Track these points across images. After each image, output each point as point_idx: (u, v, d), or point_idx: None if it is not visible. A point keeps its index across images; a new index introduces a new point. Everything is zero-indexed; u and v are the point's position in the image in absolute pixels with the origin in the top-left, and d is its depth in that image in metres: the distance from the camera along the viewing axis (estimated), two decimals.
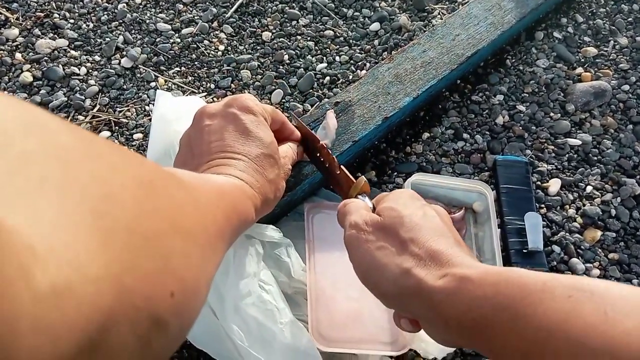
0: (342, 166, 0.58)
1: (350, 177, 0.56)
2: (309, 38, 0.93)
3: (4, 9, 0.94)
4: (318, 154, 0.61)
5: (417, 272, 0.40)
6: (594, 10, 1.00)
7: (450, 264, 0.40)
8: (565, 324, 0.31)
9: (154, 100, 0.83)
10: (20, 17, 0.93)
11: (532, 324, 0.32)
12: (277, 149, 0.54)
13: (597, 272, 0.72)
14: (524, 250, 0.72)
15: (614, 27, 0.97)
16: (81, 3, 0.96)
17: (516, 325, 0.33)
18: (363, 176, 0.55)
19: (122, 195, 0.23)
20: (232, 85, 0.87)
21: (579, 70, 0.92)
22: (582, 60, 0.94)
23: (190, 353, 0.64)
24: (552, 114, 0.87)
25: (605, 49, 0.95)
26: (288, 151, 0.59)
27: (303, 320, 0.58)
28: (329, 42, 0.92)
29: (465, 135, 0.83)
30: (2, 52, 0.89)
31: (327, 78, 0.88)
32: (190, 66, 0.89)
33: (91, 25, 0.93)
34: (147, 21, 0.94)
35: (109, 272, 0.20)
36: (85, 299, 0.18)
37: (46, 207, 0.18)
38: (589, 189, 0.79)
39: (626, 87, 0.90)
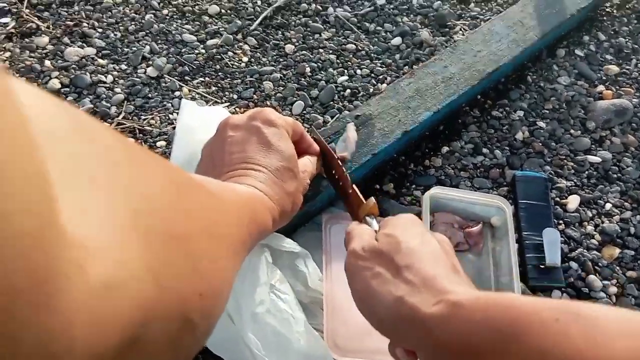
0: (354, 185, 0.59)
1: (361, 197, 0.57)
2: (331, 51, 0.94)
3: (36, 18, 0.97)
4: (333, 171, 0.62)
5: (411, 299, 0.40)
6: (617, 29, 1.00)
7: (443, 291, 0.40)
8: (554, 348, 0.31)
9: (177, 109, 0.85)
10: (51, 26, 0.96)
11: (524, 348, 0.33)
12: (297, 162, 0.55)
13: (614, 289, 0.72)
14: (542, 266, 0.72)
15: (636, 46, 0.97)
16: (109, 13, 0.99)
17: (508, 349, 0.33)
18: (372, 198, 0.56)
19: (160, 198, 0.24)
20: (255, 96, 0.88)
21: (600, 87, 0.92)
22: (604, 78, 0.94)
23: (205, 358, 0.64)
24: (572, 131, 0.87)
25: (627, 67, 0.95)
26: (307, 165, 0.60)
27: (319, 329, 0.59)
28: (351, 56, 0.94)
29: (484, 150, 0.84)
30: (32, 59, 0.92)
31: (348, 91, 0.89)
32: (214, 77, 0.91)
33: (119, 34, 0.96)
34: (173, 32, 0.96)
35: (150, 270, 0.21)
36: (130, 295, 0.19)
37: (94, 206, 0.19)
38: (608, 206, 0.79)
39: None
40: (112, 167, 0.21)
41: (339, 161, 0.62)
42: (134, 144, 0.26)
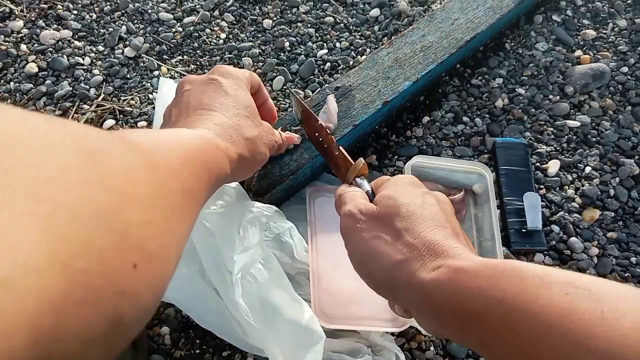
0: (340, 147, 0.58)
1: (349, 159, 0.56)
2: (309, 25, 0.93)
3: (9, 1, 0.95)
4: (317, 134, 0.61)
5: (411, 263, 0.40)
6: None
7: (445, 255, 0.39)
8: (562, 321, 0.30)
9: (157, 89, 0.84)
10: (25, 9, 0.95)
11: (527, 320, 0.31)
12: (256, 112, 0.52)
13: (595, 250, 0.73)
14: (523, 230, 0.73)
15: (612, 10, 0.97)
16: None
17: (510, 320, 0.32)
18: (362, 158, 0.54)
19: (64, 176, 0.21)
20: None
21: (578, 52, 0.92)
22: (581, 42, 0.94)
23: (196, 333, 0.65)
24: (551, 97, 0.87)
25: (604, 31, 0.95)
26: (275, 132, 0.58)
27: (306, 299, 0.59)
28: (330, 29, 0.93)
29: (465, 119, 0.84)
30: (7, 43, 0.91)
31: (328, 64, 0.88)
32: (192, 55, 0.90)
33: (94, 15, 0.95)
34: (149, 11, 0.95)
35: (55, 259, 0.19)
36: (27, 292, 0.18)
37: None
38: (587, 169, 0.80)
39: (625, 69, 0.90)
40: (2, 150, 0.19)
41: (322, 124, 0.61)
42: (33, 118, 0.22)
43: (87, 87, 0.86)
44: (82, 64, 0.89)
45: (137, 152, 0.28)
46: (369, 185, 0.52)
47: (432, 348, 0.65)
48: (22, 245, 0.18)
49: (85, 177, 0.22)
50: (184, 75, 0.87)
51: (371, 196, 0.50)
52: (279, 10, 0.96)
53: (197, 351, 0.64)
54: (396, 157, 0.80)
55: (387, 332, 0.62)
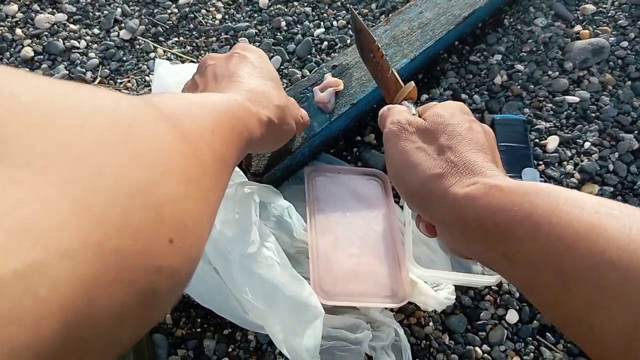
0: (393, 69, 0.57)
1: (400, 81, 0.56)
2: (306, 4, 0.93)
3: None
4: (372, 54, 0.60)
5: (448, 178, 0.41)
6: None
7: (482, 175, 0.40)
8: (588, 235, 0.30)
9: (153, 71, 0.84)
10: None
11: (555, 232, 0.32)
12: (281, 85, 0.53)
13: None
14: None
15: None
16: None
17: (538, 232, 0.33)
18: (412, 82, 0.54)
19: (96, 153, 0.21)
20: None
21: (578, 28, 0.92)
22: (581, 17, 0.93)
23: (197, 312, 0.66)
24: (550, 72, 0.87)
25: (604, 5, 0.95)
26: (300, 108, 0.59)
27: (306, 277, 0.60)
28: (326, 7, 0.92)
29: (463, 96, 0.84)
30: (2, 28, 0.90)
31: (325, 43, 0.88)
32: (188, 36, 0.90)
33: None
34: None
35: (89, 241, 0.19)
36: (60, 277, 0.17)
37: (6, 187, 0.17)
38: (587, 145, 0.80)
39: (625, 44, 0.90)
40: (23, 130, 0.19)
41: (377, 43, 0.60)
42: (60, 88, 0.22)
43: (84, 70, 0.86)
44: (78, 47, 0.88)
45: (168, 121, 0.28)
46: (415, 109, 0.53)
47: (431, 323, 0.66)
48: (55, 230, 0.18)
49: (118, 153, 0.22)
50: (180, 57, 0.87)
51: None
52: None
53: (198, 330, 0.65)
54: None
55: (386, 308, 0.63)
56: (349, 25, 0.90)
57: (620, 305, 0.28)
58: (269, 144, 0.51)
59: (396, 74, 0.57)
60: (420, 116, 0.50)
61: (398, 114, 0.49)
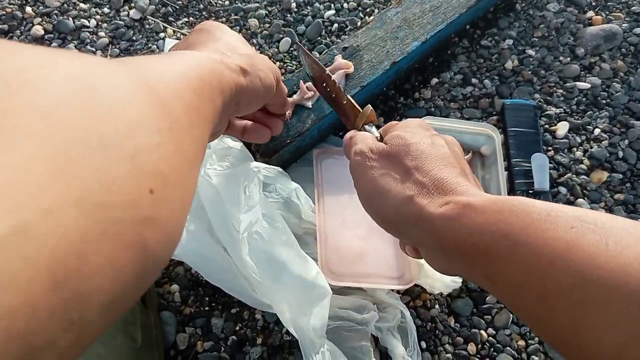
0: (348, 96, 0.57)
1: (357, 106, 0.56)
2: None
3: None
4: (325, 84, 0.60)
5: (420, 200, 0.40)
6: None
7: (454, 192, 0.39)
8: (566, 253, 0.30)
9: (163, 51, 0.84)
10: None
11: (533, 252, 0.31)
12: (245, 41, 0.51)
13: (602, 212, 0.73)
14: (530, 191, 0.73)
15: None
16: None
17: (516, 253, 0.32)
18: (369, 105, 0.54)
19: (63, 110, 0.21)
20: (240, 34, 0.87)
21: (590, 13, 0.91)
22: (594, 3, 0.92)
23: (205, 291, 0.66)
24: (561, 58, 0.86)
25: None
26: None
27: (313, 258, 0.60)
28: None
29: (474, 80, 0.83)
30: (12, 6, 0.90)
31: (335, 25, 0.87)
32: (198, 16, 0.89)
33: None
34: None
35: (70, 197, 0.19)
36: (46, 236, 0.18)
37: None
38: (596, 131, 0.80)
39: (637, 30, 0.89)
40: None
41: (329, 73, 0.60)
42: (18, 50, 0.22)
43: (94, 49, 0.86)
44: (88, 27, 0.88)
45: (131, 73, 0.27)
46: (377, 131, 0.53)
47: (437, 306, 0.66)
48: (34, 191, 0.18)
49: (84, 107, 0.22)
50: None
51: (380, 141, 0.50)
52: None
53: (206, 308, 0.66)
54: (404, 119, 0.80)
55: (392, 290, 0.63)
56: (359, 8, 0.90)
57: (606, 326, 0.28)
58: (250, 98, 0.47)
59: (352, 99, 0.57)
60: (382, 138, 0.50)
61: (361, 142, 0.48)
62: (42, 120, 0.20)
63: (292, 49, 0.85)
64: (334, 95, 0.59)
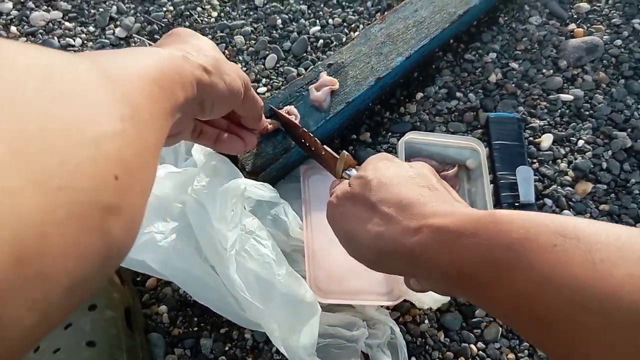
0: (324, 146, 0.59)
1: (334, 154, 0.57)
2: (301, 2, 0.93)
3: None
4: (302, 140, 0.62)
5: (390, 232, 0.40)
6: None
7: (423, 215, 0.38)
8: (552, 277, 0.29)
9: None
10: None
11: (519, 279, 0.31)
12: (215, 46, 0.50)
13: None
14: (516, 204, 0.73)
15: None
16: None
17: (502, 278, 0.32)
18: (344, 151, 0.55)
19: (23, 94, 0.21)
20: (226, 52, 0.88)
21: (572, 26, 0.92)
22: (575, 16, 0.94)
23: (194, 311, 0.66)
24: (544, 71, 0.87)
25: (598, 4, 0.95)
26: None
27: (302, 276, 0.60)
28: (322, 5, 0.93)
29: (458, 94, 0.84)
30: None
31: (321, 41, 0.88)
32: None
33: None
34: None
35: (28, 178, 0.19)
36: (6, 214, 0.18)
37: None
38: (580, 143, 0.81)
39: (618, 42, 0.90)
40: None
41: (303, 129, 0.62)
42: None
43: None
44: (74, 45, 0.88)
45: (92, 64, 0.28)
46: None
47: (426, 321, 0.66)
48: None
49: (44, 93, 0.22)
50: None
51: None
52: None
53: (195, 329, 0.65)
54: (390, 134, 0.80)
55: (382, 306, 0.63)
56: (344, 24, 0.90)
57: (602, 352, 0.27)
58: (215, 96, 0.46)
59: (328, 149, 0.58)
60: None
61: (338, 188, 0.49)
62: (1, 104, 0.20)
63: (278, 65, 0.86)
64: (313, 149, 0.60)
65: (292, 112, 0.68)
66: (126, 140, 0.26)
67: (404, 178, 0.43)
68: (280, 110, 0.67)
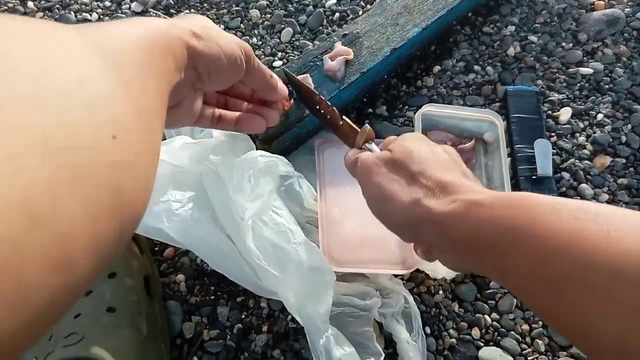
0: (344, 116, 0.58)
1: (354, 126, 0.57)
2: None
3: None
4: (318, 107, 0.61)
5: (427, 201, 0.42)
6: None
7: (459, 192, 0.41)
8: (569, 244, 0.31)
9: None
10: None
11: (538, 244, 0.33)
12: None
13: (606, 196, 0.73)
14: (533, 177, 0.73)
15: None
16: None
17: (522, 245, 0.34)
18: (366, 124, 0.55)
19: (11, 62, 0.21)
20: (242, 26, 0.87)
21: None
22: None
23: (211, 280, 0.67)
24: (564, 44, 0.86)
25: None
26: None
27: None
28: None
29: (476, 67, 0.83)
30: (14, 1, 0.90)
31: (337, 15, 0.87)
32: (199, 8, 0.89)
33: None
34: None
35: (30, 142, 0.20)
36: (13, 175, 0.18)
37: None
38: (599, 116, 0.79)
39: None
40: None
41: (321, 96, 0.61)
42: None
43: None
44: (90, 20, 0.89)
45: (77, 31, 0.28)
46: (378, 148, 0.54)
47: (441, 292, 0.66)
48: None
49: (33, 60, 0.22)
50: None
51: None
52: None
53: (212, 297, 0.66)
54: (406, 107, 0.80)
55: (395, 276, 0.63)
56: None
57: (609, 312, 0.29)
58: (210, 62, 0.45)
59: (348, 120, 0.57)
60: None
61: (366, 156, 0.51)
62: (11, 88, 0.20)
63: (293, 39, 0.85)
64: (329, 117, 0.60)
65: (306, 81, 0.67)
66: (119, 103, 0.26)
67: (441, 158, 0.47)
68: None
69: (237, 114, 0.56)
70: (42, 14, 0.89)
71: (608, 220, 0.31)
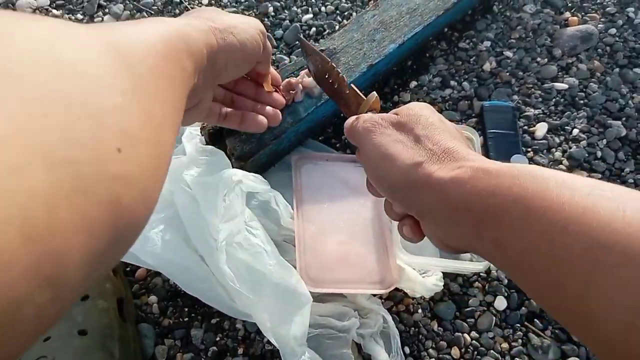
0: (352, 85, 0.57)
1: (360, 94, 0.56)
2: None
3: None
4: (327, 75, 0.60)
5: (430, 165, 0.41)
6: None
7: (466, 159, 0.40)
8: (581, 218, 0.30)
9: None
10: None
11: (546, 217, 0.31)
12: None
13: None
14: None
15: None
16: None
17: (529, 217, 0.32)
18: (374, 92, 0.54)
19: (22, 68, 0.21)
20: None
21: (567, 14, 0.91)
22: (569, 4, 0.93)
23: (184, 301, 0.65)
24: (539, 59, 0.87)
25: None
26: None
27: (293, 265, 0.59)
28: None
29: (452, 83, 0.83)
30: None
31: (313, 29, 0.87)
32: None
33: None
34: None
35: (33, 153, 0.19)
36: (13, 192, 0.18)
37: None
38: (575, 131, 0.80)
39: (613, 31, 0.89)
40: None
41: (333, 65, 0.60)
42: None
43: None
44: None
45: (93, 34, 0.27)
46: None
47: (419, 310, 0.65)
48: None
49: (45, 66, 0.22)
50: None
51: None
52: None
53: (186, 319, 0.64)
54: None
55: (374, 295, 0.62)
56: (337, 11, 0.89)
57: (619, 290, 0.27)
58: (228, 55, 0.46)
59: (355, 87, 0.57)
60: None
61: (368, 115, 0.50)
62: (1, 79, 0.20)
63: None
64: (336, 86, 0.59)
65: (302, 83, 0.67)
66: (128, 112, 0.26)
67: (449, 128, 0.45)
68: (296, 78, 0.67)
69: (242, 112, 0.58)
70: None
71: (624, 199, 0.30)
